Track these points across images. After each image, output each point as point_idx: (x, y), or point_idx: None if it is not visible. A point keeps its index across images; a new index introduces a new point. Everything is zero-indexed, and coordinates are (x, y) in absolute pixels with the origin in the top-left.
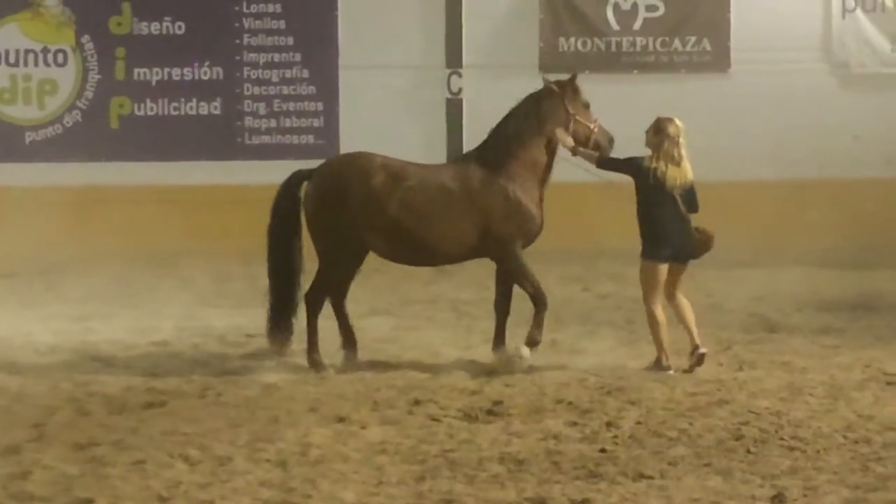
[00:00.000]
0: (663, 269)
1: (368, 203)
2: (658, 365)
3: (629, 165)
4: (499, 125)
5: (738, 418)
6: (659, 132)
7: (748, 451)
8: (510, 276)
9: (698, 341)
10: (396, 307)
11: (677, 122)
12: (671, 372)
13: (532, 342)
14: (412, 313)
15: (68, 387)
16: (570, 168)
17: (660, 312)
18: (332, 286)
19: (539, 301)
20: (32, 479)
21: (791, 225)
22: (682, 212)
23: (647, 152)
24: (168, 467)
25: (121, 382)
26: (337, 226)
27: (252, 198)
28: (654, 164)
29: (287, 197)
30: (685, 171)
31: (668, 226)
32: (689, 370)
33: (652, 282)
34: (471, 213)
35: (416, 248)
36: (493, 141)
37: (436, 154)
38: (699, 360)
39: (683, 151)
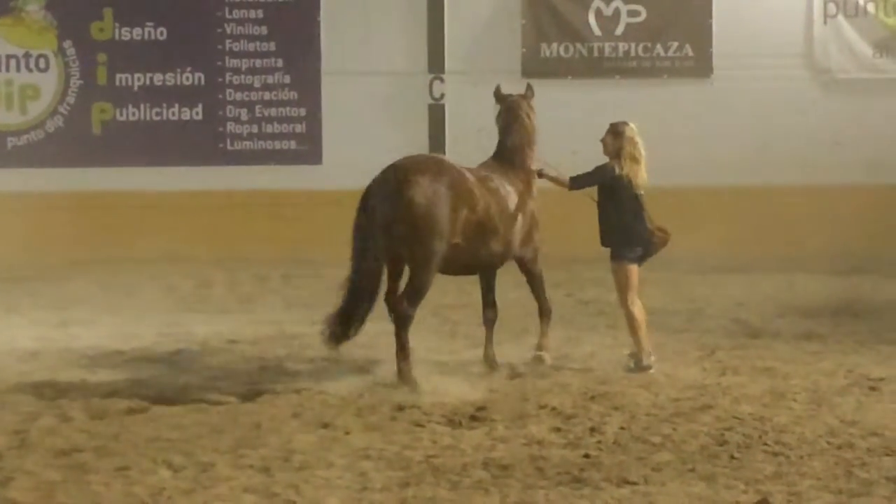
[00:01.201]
0: (636, 269)
1: (465, 206)
2: (639, 364)
3: (601, 176)
4: (509, 130)
5: (721, 424)
6: (618, 136)
7: (732, 457)
8: (536, 283)
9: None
10: (378, 312)
11: (631, 124)
12: (652, 371)
13: (545, 348)
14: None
15: (50, 393)
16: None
17: (638, 312)
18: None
19: (550, 310)
20: (14, 485)
21: (773, 231)
22: (645, 211)
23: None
24: (151, 473)
25: (103, 388)
26: (444, 231)
27: (234, 203)
28: (621, 168)
29: (396, 198)
30: (644, 170)
31: (637, 226)
32: (627, 369)
33: (628, 283)
34: (524, 216)
35: (484, 254)
36: (510, 146)
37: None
38: (641, 366)
39: (643, 151)
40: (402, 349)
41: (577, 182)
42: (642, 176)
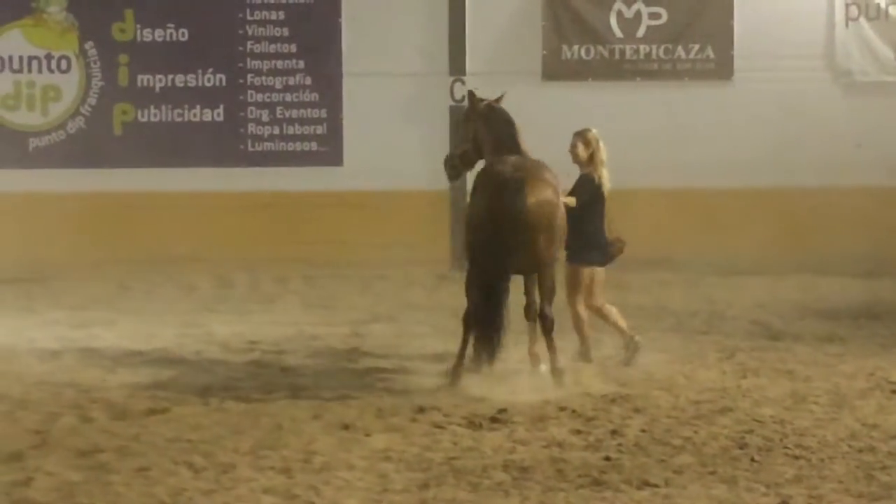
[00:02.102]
0: (589, 272)
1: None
2: (584, 355)
3: (591, 187)
4: (513, 131)
5: (742, 426)
6: (588, 144)
7: (753, 460)
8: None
9: (631, 333)
10: (399, 314)
11: (593, 130)
12: (592, 363)
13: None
14: (415, 320)
15: (71, 393)
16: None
17: (582, 310)
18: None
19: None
20: (35, 485)
21: (794, 233)
22: (606, 215)
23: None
24: (172, 474)
25: (123, 389)
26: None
27: (254, 204)
28: (599, 175)
29: (527, 201)
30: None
31: (600, 230)
32: (628, 363)
33: (578, 285)
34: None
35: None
36: (522, 148)
37: (439, 162)
38: (636, 348)
39: (605, 156)
40: (556, 351)
41: (581, 200)
42: (608, 180)
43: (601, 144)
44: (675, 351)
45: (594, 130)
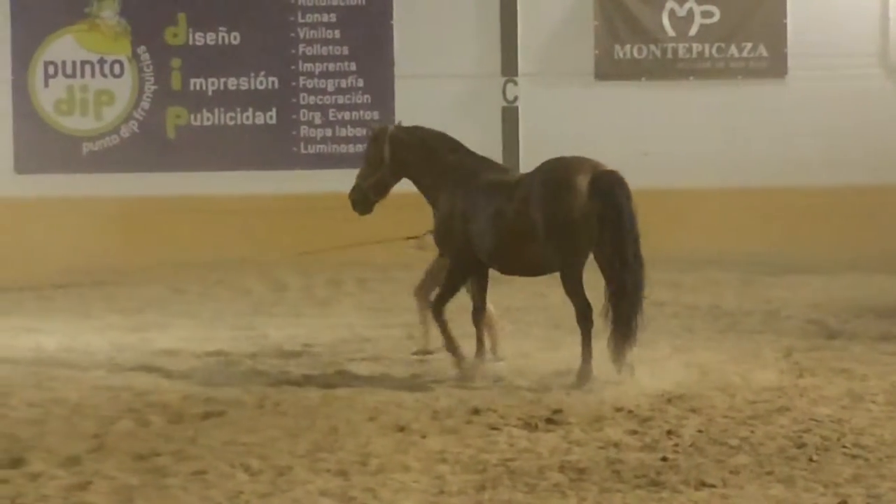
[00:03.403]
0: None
1: None
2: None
3: None
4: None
5: (799, 426)
6: None
7: (810, 459)
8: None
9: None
10: (451, 315)
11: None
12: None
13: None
14: (467, 321)
15: (127, 397)
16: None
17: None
18: None
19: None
20: (93, 489)
21: (849, 230)
22: None
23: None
24: (229, 477)
25: (179, 392)
26: None
27: (307, 206)
28: None
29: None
30: None
31: None
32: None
33: (439, 278)
34: None
35: None
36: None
37: None
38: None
39: None
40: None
41: None
42: None
43: None
44: (730, 351)
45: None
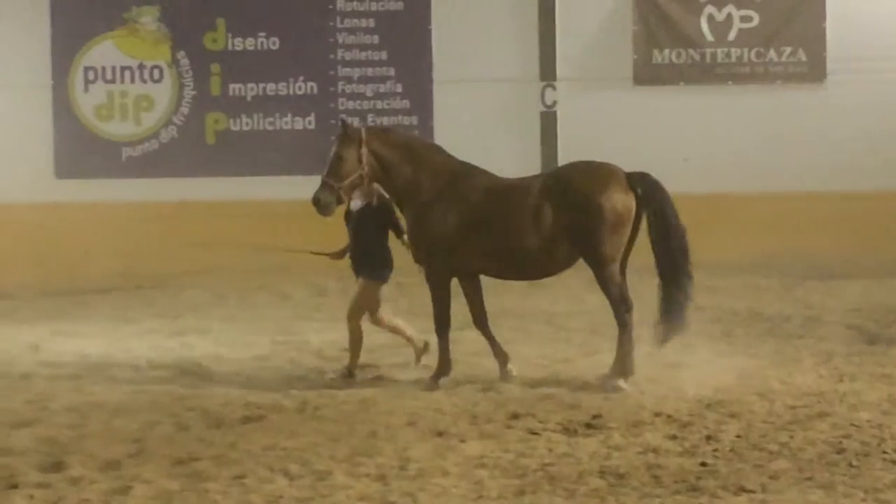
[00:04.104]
0: (384, 288)
1: None
2: (349, 373)
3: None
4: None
5: (839, 431)
6: None
7: (850, 465)
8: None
9: (420, 344)
10: (491, 320)
11: None
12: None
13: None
14: (508, 326)
15: (167, 402)
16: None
17: (358, 329)
18: None
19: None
20: (133, 493)
21: (889, 235)
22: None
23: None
24: (268, 482)
25: (219, 397)
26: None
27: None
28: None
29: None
30: None
31: (387, 248)
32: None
33: (373, 301)
34: None
35: None
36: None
37: (530, 168)
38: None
39: None
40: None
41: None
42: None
43: None
44: (770, 356)
45: None
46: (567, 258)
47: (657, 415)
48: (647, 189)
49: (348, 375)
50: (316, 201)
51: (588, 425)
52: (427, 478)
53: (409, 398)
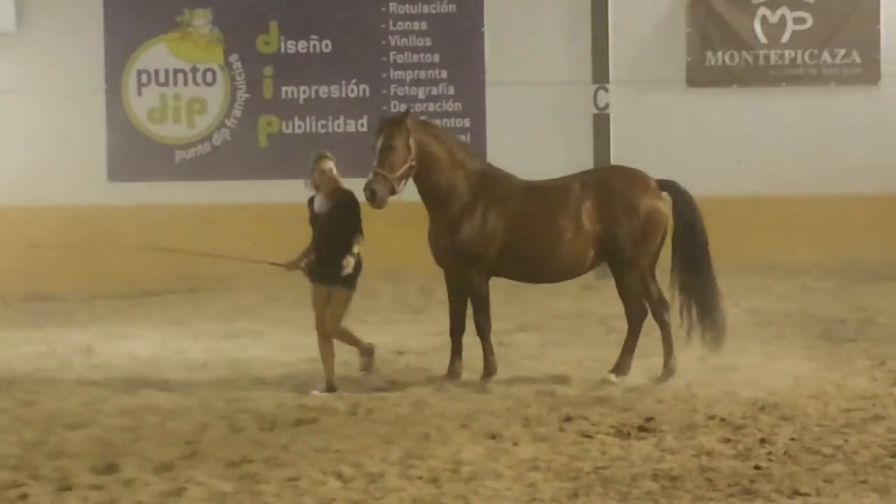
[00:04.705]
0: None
1: None
2: (329, 385)
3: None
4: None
5: (894, 434)
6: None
7: None
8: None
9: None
10: (544, 323)
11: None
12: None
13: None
14: (560, 329)
15: (220, 404)
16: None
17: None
18: None
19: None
20: (187, 495)
21: None
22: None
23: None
24: (321, 484)
25: (272, 399)
26: None
27: (400, 214)
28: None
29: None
30: None
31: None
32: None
33: (346, 310)
34: None
35: None
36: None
37: (582, 169)
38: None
39: None
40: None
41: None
42: None
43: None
44: (823, 359)
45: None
46: (593, 262)
47: (710, 418)
48: (678, 198)
49: (330, 389)
50: (372, 194)
51: (641, 428)
52: (480, 480)
53: (462, 400)
